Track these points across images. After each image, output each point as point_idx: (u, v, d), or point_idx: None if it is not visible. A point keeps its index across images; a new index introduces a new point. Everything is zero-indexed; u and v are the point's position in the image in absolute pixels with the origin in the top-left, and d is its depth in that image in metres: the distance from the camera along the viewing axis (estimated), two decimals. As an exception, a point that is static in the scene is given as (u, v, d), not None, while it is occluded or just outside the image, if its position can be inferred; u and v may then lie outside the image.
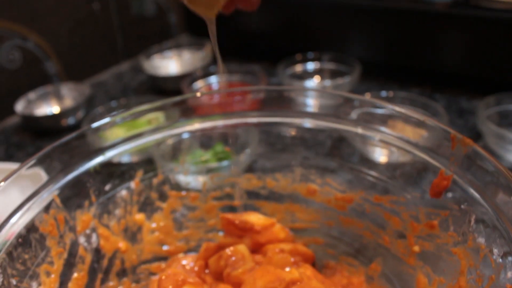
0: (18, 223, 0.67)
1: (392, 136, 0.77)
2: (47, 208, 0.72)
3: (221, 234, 0.88)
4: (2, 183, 0.65)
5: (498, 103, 1.21)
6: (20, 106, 1.47)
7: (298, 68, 1.57)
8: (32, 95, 1.53)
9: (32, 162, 0.70)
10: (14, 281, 0.65)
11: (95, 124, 0.78)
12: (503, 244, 0.57)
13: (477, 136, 1.22)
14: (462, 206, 0.65)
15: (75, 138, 0.76)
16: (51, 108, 1.53)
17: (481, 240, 0.61)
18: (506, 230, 0.57)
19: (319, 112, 0.85)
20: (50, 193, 0.73)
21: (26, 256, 0.68)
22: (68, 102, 1.54)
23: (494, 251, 0.58)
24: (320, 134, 0.85)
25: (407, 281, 0.73)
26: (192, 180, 0.90)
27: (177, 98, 0.86)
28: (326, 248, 0.84)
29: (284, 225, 0.84)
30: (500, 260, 0.57)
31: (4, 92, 1.57)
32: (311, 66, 1.58)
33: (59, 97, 1.56)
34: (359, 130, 0.80)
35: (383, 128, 0.77)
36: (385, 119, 0.78)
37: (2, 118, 1.56)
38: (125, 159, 0.84)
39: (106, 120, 0.79)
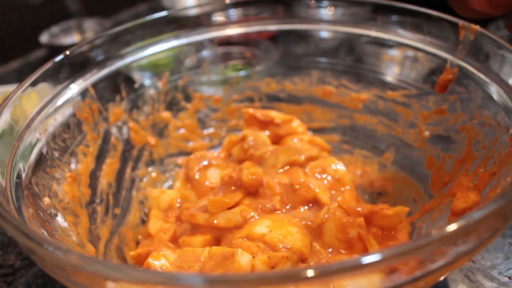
0: (58, 106, 0.73)
1: (404, 36, 0.81)
2: (83, 97, 0.78)
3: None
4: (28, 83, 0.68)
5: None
6: (44, 38, 1.52)
7: None
8: (55, 28, 1.58)
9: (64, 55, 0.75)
10: (56, 154, 0.71)
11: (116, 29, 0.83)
12: (506, 109, 0.62)
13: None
14: (469, 88, 0.70)
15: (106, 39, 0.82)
16: (74, 40, 1.58)
17: (486, 112, 0.66)
18: (508, 95, 0.62)
19: (335, 19, 0.89)
20: (86, 84, 0.78)
21: (66, 136, 0.74)
22: (90, 36, 1.59)
23: (497, 118, 0.63)
24: (336, 40, 0.90)
25: (417, 164, 0.79)
26: (215, 85, 0.95)
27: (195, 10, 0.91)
28: (342, 144, 0.90)
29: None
30: (503, 122, 0.61)
31: (29, 27, 1.62)
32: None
33: (81, 31, 1.61)
34: (373, 33, 0.84)
35: (395, 29, 0.82)
36: (396, 23, 0.82)
37: (27, 51, 1.62)
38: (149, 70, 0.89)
39: (127, 25, 0.84)
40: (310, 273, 0.35)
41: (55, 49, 1.50)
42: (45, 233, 0.55)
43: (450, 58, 0.73)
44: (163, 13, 0.85)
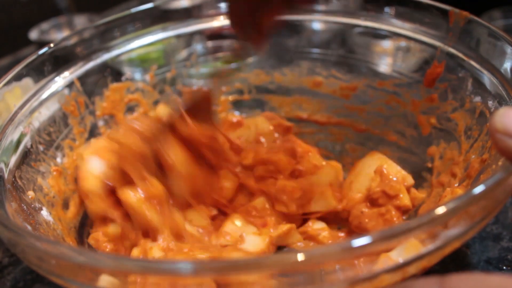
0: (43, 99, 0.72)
1: (394, 25, 0.80)
2: (68, 90, 0.76)
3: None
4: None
5: (504, 17, 1.20)
6: (34, 35, 1.50)
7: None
8: (45, 25, 1.56)
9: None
10: (41, 148, 0.70)
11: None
12: (497, 95, 0.61)
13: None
14: (460, 75, 0.69)
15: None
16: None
17: (477, 99, 0.66)
18: (499, 81, 0.61)
19: (326, 9, 0.88)
20: (72, 77, 0.77)
21: (51, 129, 0.73)
22: (80, 32, 1.58)
23: (489, 104, 0.63)
24: (327, 31, 0.89)
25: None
26: (204, 78, 0.94)
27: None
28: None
29: (292, 116, 0.89)
30: (494, 108, 0.61)
31: (18, 23, 1.60)
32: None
33: (71, 27, 1.59)
34: (363, 22, 0.83)
35: (385, 18, 0.81)
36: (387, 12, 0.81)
37: (17, 48, 1.60)
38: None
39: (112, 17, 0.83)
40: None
41: (43, 45, 1.48)
42: (29, 227, 0.54)
43: (440, 45, 0.72)
44: (149, 5, 0.84)
